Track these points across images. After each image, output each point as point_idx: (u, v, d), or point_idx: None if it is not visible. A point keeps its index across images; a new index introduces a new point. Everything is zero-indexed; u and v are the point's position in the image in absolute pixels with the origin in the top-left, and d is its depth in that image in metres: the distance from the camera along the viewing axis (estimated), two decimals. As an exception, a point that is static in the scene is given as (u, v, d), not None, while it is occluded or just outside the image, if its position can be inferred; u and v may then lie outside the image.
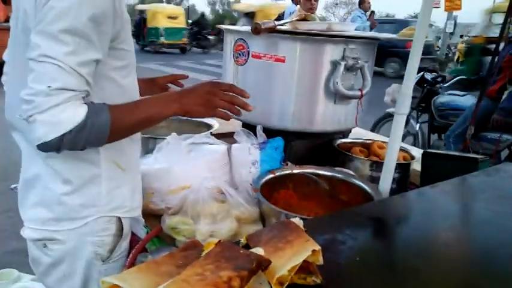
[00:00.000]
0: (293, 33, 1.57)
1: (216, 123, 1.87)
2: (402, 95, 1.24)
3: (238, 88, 1.05)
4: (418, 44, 1.25)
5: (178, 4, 38.38)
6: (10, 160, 3.81)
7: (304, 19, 1.74)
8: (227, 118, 1.05)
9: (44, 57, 0.82)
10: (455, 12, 13.00)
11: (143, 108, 0.98)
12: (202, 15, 24.01)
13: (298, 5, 8.94)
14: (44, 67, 0.82)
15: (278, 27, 1.55)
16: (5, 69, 1.14)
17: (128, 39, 1.01)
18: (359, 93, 1.60)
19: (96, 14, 0.86)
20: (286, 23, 1.69)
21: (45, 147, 0.85)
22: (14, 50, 1.03)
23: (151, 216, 1.27)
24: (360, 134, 2.11)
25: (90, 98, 0.91)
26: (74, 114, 0.85)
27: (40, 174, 1.02)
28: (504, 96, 3.55)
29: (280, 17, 9.66)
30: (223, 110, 1.02)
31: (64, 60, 0.83)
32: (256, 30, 1.43)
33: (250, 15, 14.71)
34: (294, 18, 1.73)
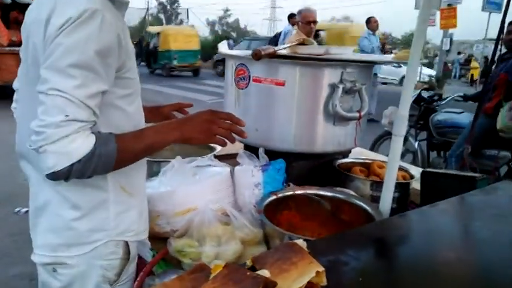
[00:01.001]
0: (292, 58, 1.63)
1: (218, 146, 1.91)
2: (399, 117, 1.28)
3: (235, 116, 1.11)
4: (413, 66, 1.30)
5: (178, 25, 39.03)
6: (14, 184, 3.84)
7: (302, 43, 1.80)
8: (224, 145, 1.11)
9: (53, 91, 0.87)
10: (450, 30, 13.25)
11: (147, 136, 1.03)
12: None
13: (296, 27, 9.09)
14: (53, 100, 0.87)
15: (278, 52, 1.61)
16: (15, 97, 1.19)
17: (133, 68, 1.06)
18: (357, 114, 1.64)
19: (102, 49, 0.91)
20: (285, 47, 1.75)
21: (55, 176, 0.89)
22: (24, 80, 1.08)
23: (157, 239, 1.30)
24: (360, 153, 2.15)
25: (97, 126, 0.96)
26: (82, 145, 0.89)
27: (49, 201, 1.05)
28: (501, 115, 3.55)
29: (277, 36, 9.82)
30: (221, 137, 1.08)
31: (73, 93, 0.87)
32: (257, 56, 1.49)
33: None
34: (294, 43, 1.79)
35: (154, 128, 1.07)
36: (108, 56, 0.93)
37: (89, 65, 0.89)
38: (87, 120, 0.90)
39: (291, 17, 9.15)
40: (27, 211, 3.05)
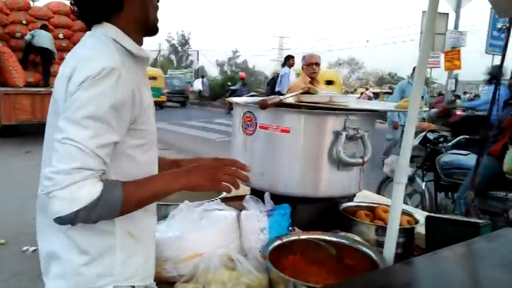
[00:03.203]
0: (297, 107, 1.70)
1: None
2: (400, 165, 1.33)
3: (239, 162, 1.16)
4: (413, 115, 1.36)
5: (188, 67, 40.14)
6: (22, 223, 3.87)
7: (307, 92, 1.88)
8: (229, 191, 1.15)
9: (67, 140, 0.94)
10: (455, 71, 13.45)
11: (154, 183, 1.08)
12: None
13: (291, 69, 9.36)
14: (66, 148, 0.94)
15: (283, 100, 1.69)
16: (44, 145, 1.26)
17: (148, 120, 1.13)
18: (361, 160, 1.69)
19: (116, 103, 0.98)
20: (291, 96, 1.83)
21: (61, 220, 0.95)
22: (47, 130, 1.16)
23: (164, 283, 1.32)
24: (365, 196, 2.17)
25: (108, 173, 1.01)
26: (89, 192, 0.94)
27: (60, 247, 1.09)
28: (508, 157, 3.57)
29: (275, 78, 10.09)
30: (226, 184, 1.11)
31: (85, 143, 0.94)
32: (263, 106, 1.57)
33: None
34: (298, 92, 1.87)
35: (161, 176, 1.13)
36: (122, 109, 1.00)
37: (102, 118, 0.96)
38: (97, 169, 0.96)
39: (287, 59, 9.47)
40: (34, 250, 3.07)
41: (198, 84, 23.84)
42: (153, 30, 1.17)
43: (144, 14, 1.12)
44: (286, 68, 9.36)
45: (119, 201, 0.99)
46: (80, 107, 0.95)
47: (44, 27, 9.06)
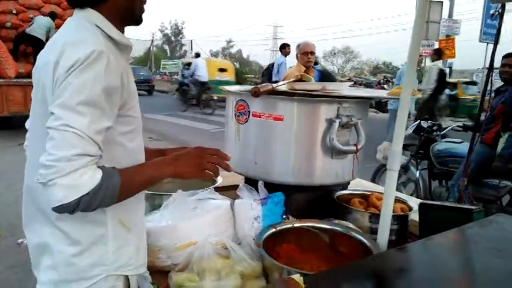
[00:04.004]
0: (290, 94, 1.69)
1: (220, 178, 1.96)
2: (393, 153, 1.32)
3: (221, 152, 1.20)
4: (405, 102, 1.35)
5: (181, 57, 39.85)
6: (17, 214, 3.81)
7: (300, 80, 1.87)
8: (211, 178, 1.20)
9: (64, 127, 0.92)
10: (450, 60, 13.48)
11: (145, 171, 1.09)
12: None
13: (286, 58, 9.29)
14: (64, 135, 0.92)
15: (276, 88, 1.67)
16: (27, 135, 1.24)
17: (135, 106, 1.13)
18: (354, 148, 1.69)
19: (108, 87, 0.97)
20: (283, 84, 1.82)
21: (62, 209, 0.93)
22: (33, 119, 1.14)
23: (158, 272, 1.32)
24: (359, 184, 2.18)
25: (100, 161, 1.00)
26: (91, 178, 0.94)
27: (50, 238, 1.08)
28: (501, 145, 3.63)
29: (270, 68, 10.02)
30: (209, 172, 1.15)
31: (83, 129, 0.93)
32: (256, 94, 1.55)
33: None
34: (291, 79, 1.86)
35: (151, 164, 1.13)
36: (113, 94, 0.99)
37: (96, 103, 0.95)
38: (95, 155, 0.96)
39: (283, 47, 9.39)
40: (29, 243, 3.03)
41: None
42: (136, 21, 1.16)
43: (130, 5, 1.11)
44: (281, 57, 9.30)
45: (118, 187, 0.99)
46: (74, 93, 0.93)
47: (51, 14, 8.90)
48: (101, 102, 0.96)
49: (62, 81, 0.95)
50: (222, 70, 17.14)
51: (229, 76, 17.39)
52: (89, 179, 0.93)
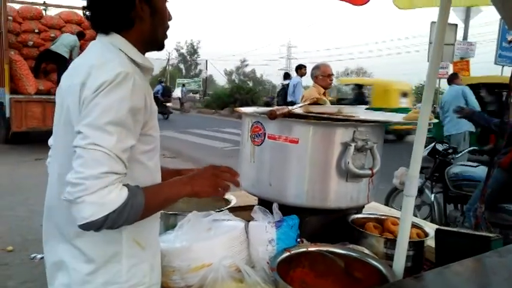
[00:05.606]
0: (306, 117, 1.70)
1: (234, 198, 1.96)
2: (409, 178, 1.31)
3: (232, 169, 1.24)
4: (423, 128, 1.35)
5: (196, 76, 40.46)
6: (29, 229, 3.89)
7: (316, 102, 1.88)
8: (223, 196, 1.27)
9: (92, 145, 0.95)
10: (464, 82, 13.35)
11: (165, 190, 1.12)
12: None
13: (301, 79, 9.34)
14: (92, 154, 0.94)
15: (292, 111, 1.69)
16: (50, 152, 1.28)
17: (155, 126, 1.16)
18: (369, 172, 1.68)
19: (133, 107, 1.01)
20: (300, 106, 1.83)
21: (89, 226, 0.95)
22: (56, 139, 1.17)
23: (171, 294, 1.32)
24: (373, 207, 2.15)
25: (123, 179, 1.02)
26: (118, 196, 0.96)
27: (66, 256, 1.10)
28: None
29: (285, 88, 10.04)
30: (222, 190, 1.19)
31: (110, 148, 0.96)
32: (272, 116, 1.57)
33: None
34: (307, 102, 1.87)
35: (170, 183, 1.16)
36: (137, 113, 1.03)
37: (123, 123, 0.98)
38: (121, 173, 0.98)
39: (299, 68, 9.43)
40: (42, 257, 3.08)
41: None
42: (159, 47, 1.21)
43: (154, 32, 1.16)
44: (297, 78, 9.35)
45: (141, 206, 1.01)
46: (102, 113, 0.96)
47: (79, 34, 9.18)
48: (127, 122, 0.99)
49: (89, 102, 0.98)
50: (404, 95, 12.65)
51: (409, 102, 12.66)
52: (116, 197, 0.95)
